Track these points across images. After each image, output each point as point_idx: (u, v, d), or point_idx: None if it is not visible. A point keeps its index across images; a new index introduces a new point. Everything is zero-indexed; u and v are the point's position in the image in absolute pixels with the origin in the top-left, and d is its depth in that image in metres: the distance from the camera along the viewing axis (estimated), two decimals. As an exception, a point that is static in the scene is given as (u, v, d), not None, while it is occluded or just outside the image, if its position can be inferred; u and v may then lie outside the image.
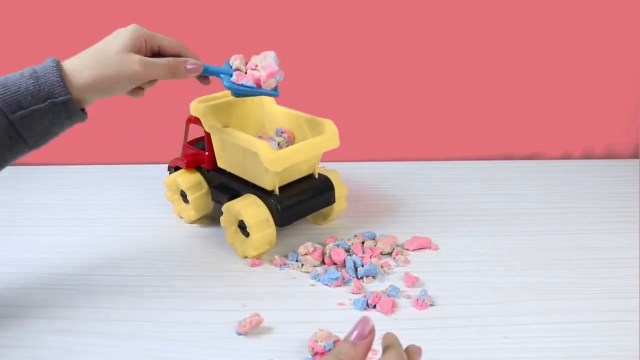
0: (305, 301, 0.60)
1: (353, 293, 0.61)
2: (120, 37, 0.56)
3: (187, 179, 0.73)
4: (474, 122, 0.94)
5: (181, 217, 0.76)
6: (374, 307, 0.58)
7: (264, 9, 0.87)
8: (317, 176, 0.72)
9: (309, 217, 0.74)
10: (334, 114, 0.71)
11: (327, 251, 0.66)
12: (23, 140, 0.53)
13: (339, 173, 0.74)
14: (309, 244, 0.67)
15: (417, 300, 0.59)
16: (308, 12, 0.88)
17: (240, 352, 0.53)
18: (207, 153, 0.72)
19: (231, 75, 0.63)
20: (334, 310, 0.58)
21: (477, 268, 0.65)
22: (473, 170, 0.91)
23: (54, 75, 0.53)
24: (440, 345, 0.53)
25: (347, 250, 0.67)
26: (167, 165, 0.78)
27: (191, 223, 0.75)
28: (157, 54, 0.60)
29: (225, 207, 0.67)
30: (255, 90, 0.64)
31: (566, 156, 0.97)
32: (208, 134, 0.71)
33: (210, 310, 0.58)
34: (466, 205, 0.80)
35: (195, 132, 0.74)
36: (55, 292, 0.61)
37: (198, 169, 0.75)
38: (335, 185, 0.72)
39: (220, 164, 0.72)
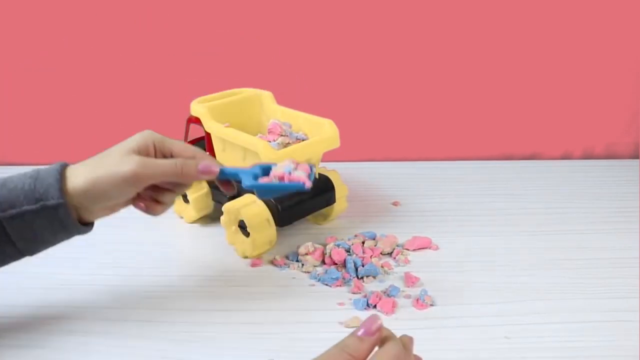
0: (305, 301, 0.60)
1: (353, 293, 0.61)
2: (125, 142, 0.52)
3: (187, 179, 0.73)
4: (474, 122, 0.95)
5: (181, 217, 0.77)
6: (375, 307, 0.58)
7: (265, 9, 0.87)
8: (317, 176, 0.72)
9: (309, 217, 0.74)
10: (334, 114, 0.71)
11: (328, 251, 0.66)
12: (12, 243, 0.49)
13: (339, 173, 0.74)
14: (309, 244, 0.67)
15: (417, 300, 0.59)
16: (308, 11, 0.88)
17: (240, 352, 0.53)
18: (207, 153, 0.72)
19: (255, 175, 0.54)
20: (334, 310, 0.58)
21: (477, 268, 0.65)
22: (473, 170, 0.92)
23: (52, 177, 0.49)
24: (440, 345, 0.53)
25: (348, 250, 0.67)
26: (167, 165, 0.78)
27: (191, 223, 0.75)
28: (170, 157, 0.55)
29: (225, 207, 0.67)
30: (282, 186, 0.54)
31: (566, 156, 0.97)
32: (208, 134, 0.71)
33: (211, 310, 0.58)
34: (466, 205, 0.80)
35: (195, 132, 0.74)
36: (55, 292, 0.61)
37: (198, 169, 0.75)
38: (335, 185, 0.72)
39: (221, 164, 0.72)
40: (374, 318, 0.40)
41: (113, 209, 0.55)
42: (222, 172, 0.54)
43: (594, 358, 0.52)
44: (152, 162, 0.52)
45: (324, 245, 0.68)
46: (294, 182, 0.53)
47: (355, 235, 0.71)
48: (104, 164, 0.51)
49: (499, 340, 0.54)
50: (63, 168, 0.51)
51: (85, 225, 0.53)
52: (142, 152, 0.52)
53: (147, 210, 0.55)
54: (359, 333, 0.39)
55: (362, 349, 0.38)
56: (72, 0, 0.86)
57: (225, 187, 0.56)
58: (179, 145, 0.55)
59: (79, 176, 0.50)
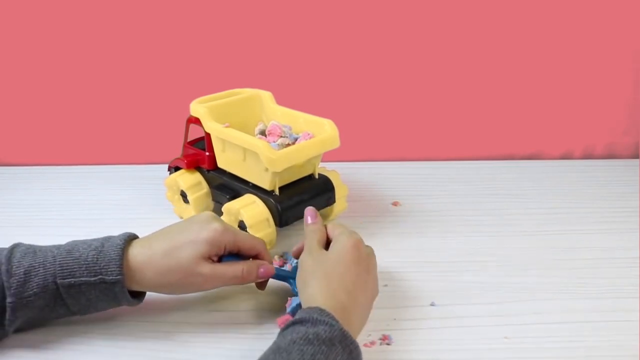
0: (306, 301, 0.60)
1: (353, 293, 0.61)
2: (197, 243, 0.53)
3: (188, 179, 0.73)
4: (474, 122, 0.95)
5: (181, 218, 0.76)
6: (374, 307, 0.58)
7: (264, 9, 0.87)
8: (317, 176, 0.72)
9: (309, 217, 0.74)
10: (334, 114, 0.71)
11: (327, 251, 0.66)
12: (66, 306, 0.52)
13: (339, 173, 0.74)
14: (309, 244, 0.67)
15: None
16: (308, 12, 0.88)
17: (241, 352, 0.53)
18: (207, 153, 0.72)
19: None
20: (334, 310, 0.58)
21: (477, 268, 0.65)
22: (473, 170, 0.92)
23: (114, 252, 0.51)
24: (440, 345, 0.53)
25: (347, 250, 0.67)
26: (167, 166, 0.78)
27: (191, 223, 0.75)
28: (236, 254, 0.57)
29: (225, 207, 0.67)
30: None
31: (566, 156, 0.97)
32: (208, 134, 0.71)
33: (210, 310, 0.58)
34: (466, 205, 0.80)
35: (195, 132, 0.74)
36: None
37: (198, 169, 0.75)
38: (335, 186, 0.72)
39: (221, 164, 0.72)
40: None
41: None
42: (277, 275, 0.59)
43: (594, 358, 0.52)
44: (221, 274, 0.55)
45: (324, 245, 0.68)
46: None
47: (355, 235, 0.71)
48: (173, 272, 0.53)
49: (499, 340, 0.54)
50: (126, 243, 0.53)
51: (137, 297, 0.55)
52: (213, 254, 0.55)
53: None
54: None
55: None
56: (72, 1, 0.86)
57: (261, 286, 0.60)
58: (247, 242, 0.57)
59: (146, 273, 0.52)
